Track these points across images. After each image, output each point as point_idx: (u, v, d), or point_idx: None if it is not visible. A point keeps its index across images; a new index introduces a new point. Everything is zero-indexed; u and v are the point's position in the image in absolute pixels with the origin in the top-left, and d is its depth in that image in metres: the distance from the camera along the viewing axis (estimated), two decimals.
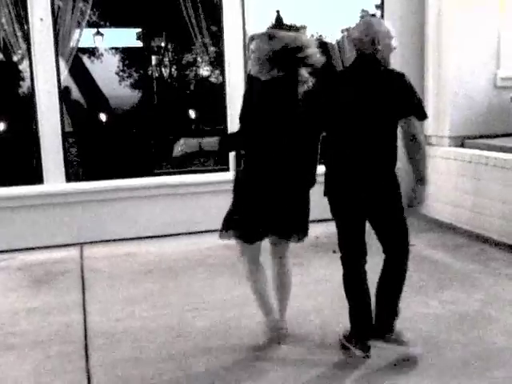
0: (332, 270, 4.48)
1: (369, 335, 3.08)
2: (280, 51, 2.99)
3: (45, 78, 5.37)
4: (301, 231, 3.24)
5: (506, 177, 5.02)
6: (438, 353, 3.15)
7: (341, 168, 3.02)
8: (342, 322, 3.53)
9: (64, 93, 5.99)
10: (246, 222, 3.21)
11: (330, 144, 3.07)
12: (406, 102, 2.96)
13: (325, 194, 3.08)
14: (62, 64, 5.56)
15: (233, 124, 5.89)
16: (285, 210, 3.11)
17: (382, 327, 3.09)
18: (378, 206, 3.02)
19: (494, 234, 5.17)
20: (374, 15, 6.52)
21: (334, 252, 4.93)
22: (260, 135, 3.03)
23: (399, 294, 3.09)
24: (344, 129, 2.99)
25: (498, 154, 5.22)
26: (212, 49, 6.19)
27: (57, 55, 5.44)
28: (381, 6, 6.29)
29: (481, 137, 5.89)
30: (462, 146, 5.89)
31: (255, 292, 3.33)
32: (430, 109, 6.20)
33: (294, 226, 3.20)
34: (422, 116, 3.03)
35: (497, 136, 5.86)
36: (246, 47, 5.90)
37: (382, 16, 6.27)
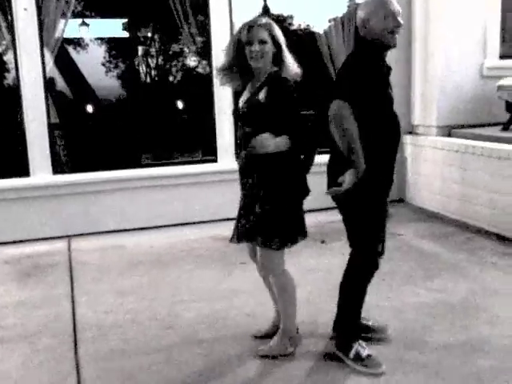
0: (321, 260, 4.52)
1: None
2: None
3: (30, 68, 5.31)
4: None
5: (492, 166, 5.06)
6: (424, 340, 3.18)
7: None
8: (332, 311, 3.55)
9: (49, 84, 5.92)
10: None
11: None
12: None
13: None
14: (47, 55, 5.49)
15: (220, 112, 5.88)
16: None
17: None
18: None
19: (482, 222, 5.21)
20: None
21: (323, 242, 5.00)
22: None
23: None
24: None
25: (485, 144, 5.25)
26: (199, 39, 6.14)
27: (42, 46, 5.37)
28: None
29: (468, 126, 5.92)
30: (449, 135, 5.92)
31: (295, 299, 3.08)
32: (417, 99, 6.24)
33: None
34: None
35: (483, 125, 5.90)
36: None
37: None
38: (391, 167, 2.90)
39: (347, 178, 2.65)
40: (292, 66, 2.90)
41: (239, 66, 2.90)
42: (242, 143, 2.93)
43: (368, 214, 2.87)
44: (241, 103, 2.94)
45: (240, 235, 3.00)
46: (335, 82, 2.96)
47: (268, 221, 2.87)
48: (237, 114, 2.99)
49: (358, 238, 2.94)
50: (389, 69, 2.89)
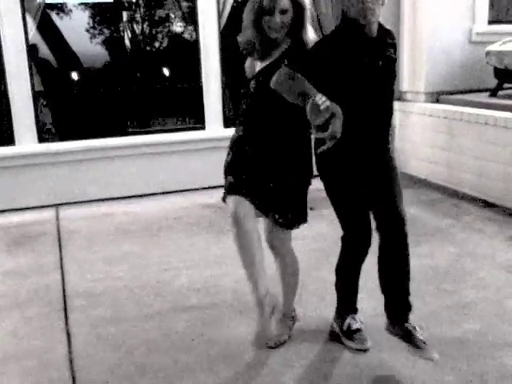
0: (309, 227, 4.53)
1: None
2: None
3: (12, 35, 5.19)
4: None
5: (479, 132, 5.07)
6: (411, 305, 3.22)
7: None
8: (322, 277, 3.59)
9: (32, 51, 5.80)
10: None
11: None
12: None
13: None
14: (30, 21, 5.37)
15: (208, 80, 5.81)
16: None
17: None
18: None
19: (468, 189, 5.26)
20: None
21: (311, 209, 5.00)
22: None
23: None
24: None
25: (472, 110, 5.25)
26: (185, 4, 6.03)
27: (23, 12, 5.25)
28: None
29: (456, 92, 5.91)
30: (438, 101, 5.92)
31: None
32: (405, 65, 6.20)
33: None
34: None
35: (471, 91, 5.89)
36: (218, 2, 5.77)
37: None
38: (358, 140, 2.67)
39: (332, 128, 2.34)
40: (311, 34, 2.67)
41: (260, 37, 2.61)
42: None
43: (336, 187, 2.85)
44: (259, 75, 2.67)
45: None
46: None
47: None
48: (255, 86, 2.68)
49: (336, 212, 2.92)
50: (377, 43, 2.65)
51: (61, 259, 4.12)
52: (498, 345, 2.82)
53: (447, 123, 5.49)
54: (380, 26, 2.68)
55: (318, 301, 3.33)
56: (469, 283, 3.50)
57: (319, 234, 4.37)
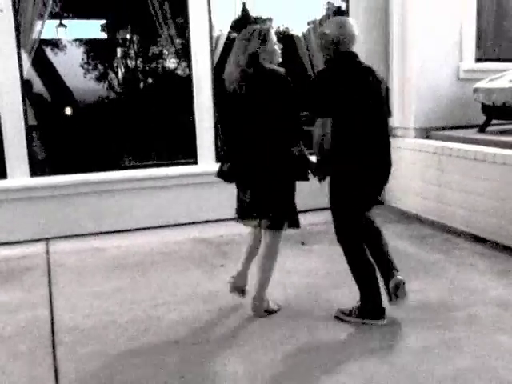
0: (300, 262, 4.54)
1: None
2: None
3: (6, 70, 5.25)
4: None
5: (467, 167, 5.13)
6: (403, 341, 3.21)
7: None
8: (313, 313, 3.58)
9: (27, 86, 5.86)
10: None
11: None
12: None
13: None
14: (25, 56, 5.43)
15: (200, 114, 5.87)
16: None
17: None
18: None
19: (458, 224, 5.28)
20: (339, 8, 6.56)
21: (303, 244, 5.02)
22: None
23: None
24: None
25: (461, 145, 5.32)
26: (178, 41, 6.13)
27: (19, 47, 5.31)
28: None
29: (444, 128, 6.00)
30: (427, 137, 5.99)
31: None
32: (395, 101, 6.29)
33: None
34: None
35: (460, 127, 5.98)
36: (211, 39, 5.87)
37: (347, 9, 6.32)
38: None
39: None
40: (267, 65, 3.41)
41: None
42: None
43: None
44: None
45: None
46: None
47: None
48: None
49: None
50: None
51: (50, 294, 4.07)
52: (490, 381, 2.80)
53: (437, 159, 5.55)
54: None
55: (307, 339, 3.30)
56: (461, 319, 3.49)
57: (309, 269, 4.37)
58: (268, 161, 3.35)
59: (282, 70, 3.36)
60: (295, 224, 3.55)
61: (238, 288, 3.75)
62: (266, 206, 3.44)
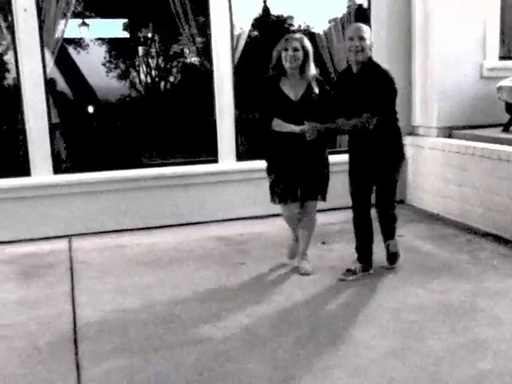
0: (321, 261, 4.52)
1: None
2: None
3: (30, 69, 5.32)
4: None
5: (491, 167, 5.06)
6: (424, 343, 3.18)
7: None
8: (334, 313, 3.57)
9: (50, 84, 5.92)
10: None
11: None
12: None
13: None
14: (48, 55, 5.49)
15: (221, 114, 5.88)
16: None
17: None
18: None
19: (481, 224, 5.22)
20: (360, 5, 6.51)
21: (323, 243, 5.00)
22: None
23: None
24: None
25: (484, 145, 5.25)
26: (199, 39, 6.15)
27: (42, 46, 5.38)
28: None
29: (468, 127, 5.92)
30: (450, 136, 5.93)
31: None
32: (417, 100, 6.25)
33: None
34: None
35: (483, 126, 5.90)
36: (233, 37, 5.88)
37: (369, 7, 6.27)
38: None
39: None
40: (313, 69, 4.15)
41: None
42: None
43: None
44: (293, 97, 4.09)
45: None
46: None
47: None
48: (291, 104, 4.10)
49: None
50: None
51: (72, 290, 4.12)
52: None
53: (459, 158, 5.49)
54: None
55: (327, 339, 3.29)
56: (483, 320, 3.45)
57: (330, 267, 4.36)
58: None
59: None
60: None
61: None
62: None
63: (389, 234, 4.33)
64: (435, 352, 3.07)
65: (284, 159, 4.14)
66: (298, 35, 4.15)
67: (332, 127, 4.05)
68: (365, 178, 4.14)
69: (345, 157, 4.28)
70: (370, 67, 3.99)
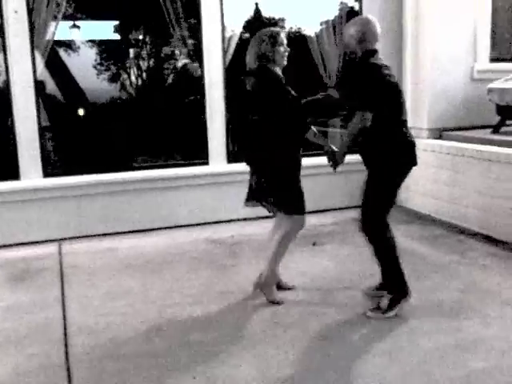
0: (313, 263, 4.52)
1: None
2: None
3: (20, 71, 5.28)
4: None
5: (482, 168, 5.09)
6: (415, 343, 3.19)
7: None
8: (325, 314, 3.57)
9: (40, 86, 5.89)
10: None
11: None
12: None
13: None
14: (38, 57, 5.46)
15: (212, 115, 5.87)
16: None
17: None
18: None
19: (472, 224, 5.24)
20: (352, 8, 6.53)
21: (315, 244, 5.00)
22: None
23: None
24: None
25: (475, 146, 5.27)
26: (190, 41, 6.14)
27: (32, 48, 5.34)
28: None
29: (459, 129, 5.95)
30: (440, 138, 5.95)
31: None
32: (408, 102, 6.23)
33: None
34: None
35: (474, 128, 5.93)
36: (224, 39, 5.87)
37: (361, 8, 6.29)
38: None
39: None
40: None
41: None
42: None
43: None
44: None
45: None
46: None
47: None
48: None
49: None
50: None
51: (62, 294, 4.09)
52: (504, 383, 2.78)
53: (450, 159, 5.51)
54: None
55: (319, 340, 3.29)
56: (474, 320, 3.46)
57: (321, 269, 4.36)
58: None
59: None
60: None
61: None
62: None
63: None
64: (426, 351, 3.08)
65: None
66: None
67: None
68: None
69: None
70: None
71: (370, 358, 3.03)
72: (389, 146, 3.48)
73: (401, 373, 2.88)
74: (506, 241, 4.84)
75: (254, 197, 3.78)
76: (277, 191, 3.66)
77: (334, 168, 3.61)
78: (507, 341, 3.19)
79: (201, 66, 5.93)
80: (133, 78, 11.90)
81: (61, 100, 9.31)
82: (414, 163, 3.55)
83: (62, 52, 10.36)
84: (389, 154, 3.48)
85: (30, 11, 5.29)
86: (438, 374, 2.86)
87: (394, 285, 3.58)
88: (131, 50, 11.86)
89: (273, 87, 3.57)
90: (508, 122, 5.68)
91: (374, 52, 3.55)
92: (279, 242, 3.73)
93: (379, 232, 3.52)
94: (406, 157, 3.53)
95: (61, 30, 8.04)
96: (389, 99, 3.46)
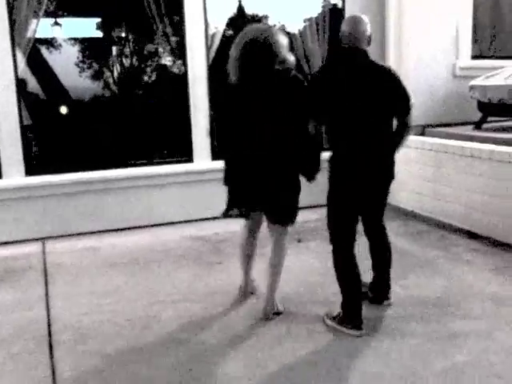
0: (297, 260, 4.54)
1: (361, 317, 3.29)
2: None
3: (1, 70, 5.22)
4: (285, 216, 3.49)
5: (464, 164, 5.13)
6: (400, 338, 3.21)
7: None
8: (310, 311, 3.58)
9: (22, 85, 5.83)
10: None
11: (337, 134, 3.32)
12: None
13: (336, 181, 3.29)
14: (19, 55, 5.40)
15: (195, 112, 5.86)
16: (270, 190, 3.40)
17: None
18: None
19: (455, 220, 5.29)
20: (335, 5, 6.55)
21: (299, 241, 5.02)
22: None
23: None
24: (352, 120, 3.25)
25: (457, 142, 5.32)
26: (173, 38, 6.11)
27: (13, 46, 5.28)
28: None
29: (441, 125, 6.00)
30: (423, 134, 6.00)
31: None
32: None
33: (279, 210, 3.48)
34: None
35: (456, 124, 5.99)
36: (207, 36, 5.86)
37: (343, 7, 6.31)
38: None
39: None
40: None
41: None
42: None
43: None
44: None
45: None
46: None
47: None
48: None
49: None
50: None
51: (46, 293, 4.06)
52: (487, 376, 2.81)
53: (433, 155, 5.55)
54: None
55: (305, 336, 3.30)
56: (457, 315, 3.50)
57: (306, 265, 4.37)
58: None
59: None
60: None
61: (248, 293, 3.86)
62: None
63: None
64: (411, 347, 3.11)
65: None
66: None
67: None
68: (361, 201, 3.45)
69: None
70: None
71: (356, 354, 3.05)
72: (331, 160, 3.29)
73: (386, 368, 2.90)
74: (488, 236, 4.89)
75: (243, 204, 3.54)
76: (288, 196, 3.44)
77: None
78: (489, 335, 3.23)
79: (184, 62, 5.91)
80: (115, 75, 11.83)
81: (43, 98, 9.22)
82: (357, 184, 3.26)
83: (43, 50, 10.25)
84: (330, 169, 3.29)
85: (10, 8, 5.23)
86: (423, 367, 2.89)
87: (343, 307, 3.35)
88: (114, 48, 11.78)
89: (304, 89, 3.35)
90: (489, 119, 5.75)
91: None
92: (279, 267, 3.51)
93: (334, 255, 3.36)
94: (344, 173, 3.25)
95: (42, 28, 7.97)
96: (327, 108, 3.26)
